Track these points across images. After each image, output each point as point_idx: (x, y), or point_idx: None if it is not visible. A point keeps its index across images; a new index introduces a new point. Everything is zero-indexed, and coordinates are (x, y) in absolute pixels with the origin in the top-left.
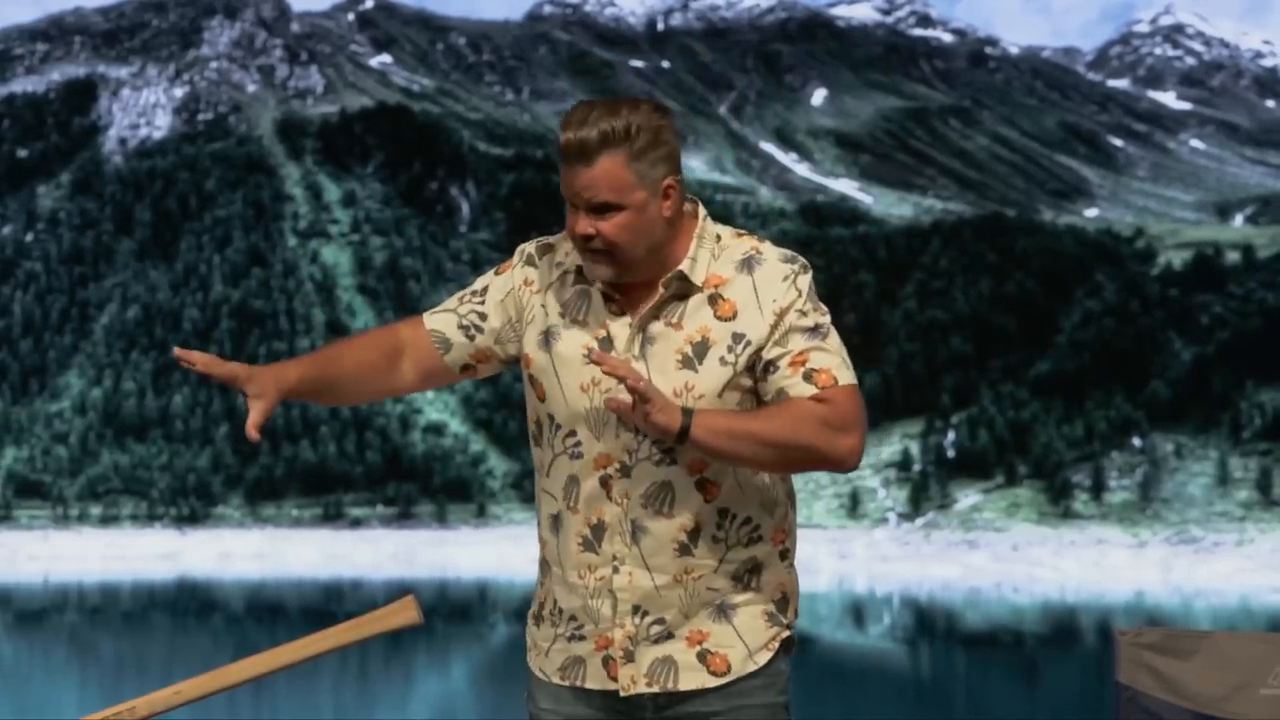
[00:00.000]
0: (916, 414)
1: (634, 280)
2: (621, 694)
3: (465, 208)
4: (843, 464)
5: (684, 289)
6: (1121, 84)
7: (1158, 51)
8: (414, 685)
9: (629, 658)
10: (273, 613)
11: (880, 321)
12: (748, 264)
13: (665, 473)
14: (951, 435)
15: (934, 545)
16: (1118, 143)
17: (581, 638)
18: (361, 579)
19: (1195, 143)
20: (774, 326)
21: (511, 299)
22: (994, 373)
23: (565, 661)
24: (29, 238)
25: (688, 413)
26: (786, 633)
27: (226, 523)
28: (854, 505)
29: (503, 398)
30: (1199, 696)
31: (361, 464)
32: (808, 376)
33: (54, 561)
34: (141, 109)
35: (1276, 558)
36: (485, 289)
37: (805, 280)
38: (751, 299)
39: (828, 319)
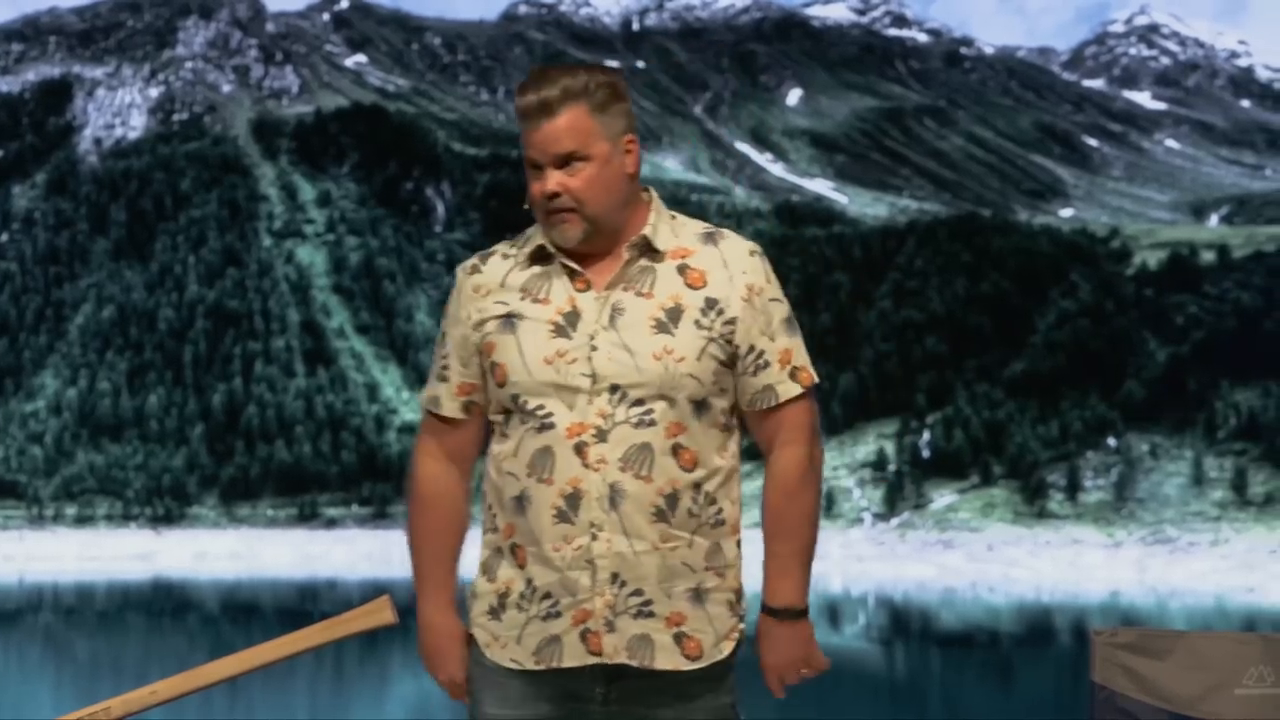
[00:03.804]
0: (891, 414)
1: (598, 248)
2: (606, 661)
3: (440, 208)
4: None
5: (648, 256)
6: (1097, 84)
7: (1133, 51)
8: (389, 685)
9: (610, 627)
10: (248, 613)
11: (855, 321)
12: (710, 237)
13: (644, 435)
14: (926, 435)
15: (909, 545)
16: (1093, 143)
17: (557, 614)
18: (337, 579)
19: (1170, 143)
20: (748, 303)
21: (466, 322)
22: (969, 373)
23: (540, 644)
24: (3, 238)
25: (794, 613)
26: (742, 625)
27: (202, 523)
28: (829, 505)
29: None
30: (1174, 696)
31: (337, 464)
32: (793, 375)
33: (29, 562)
34: (116, 109)
35: (1251, 557)
36: (444, 335)
37: (768, 263)
38: (720, 267)
39: (789, 306)
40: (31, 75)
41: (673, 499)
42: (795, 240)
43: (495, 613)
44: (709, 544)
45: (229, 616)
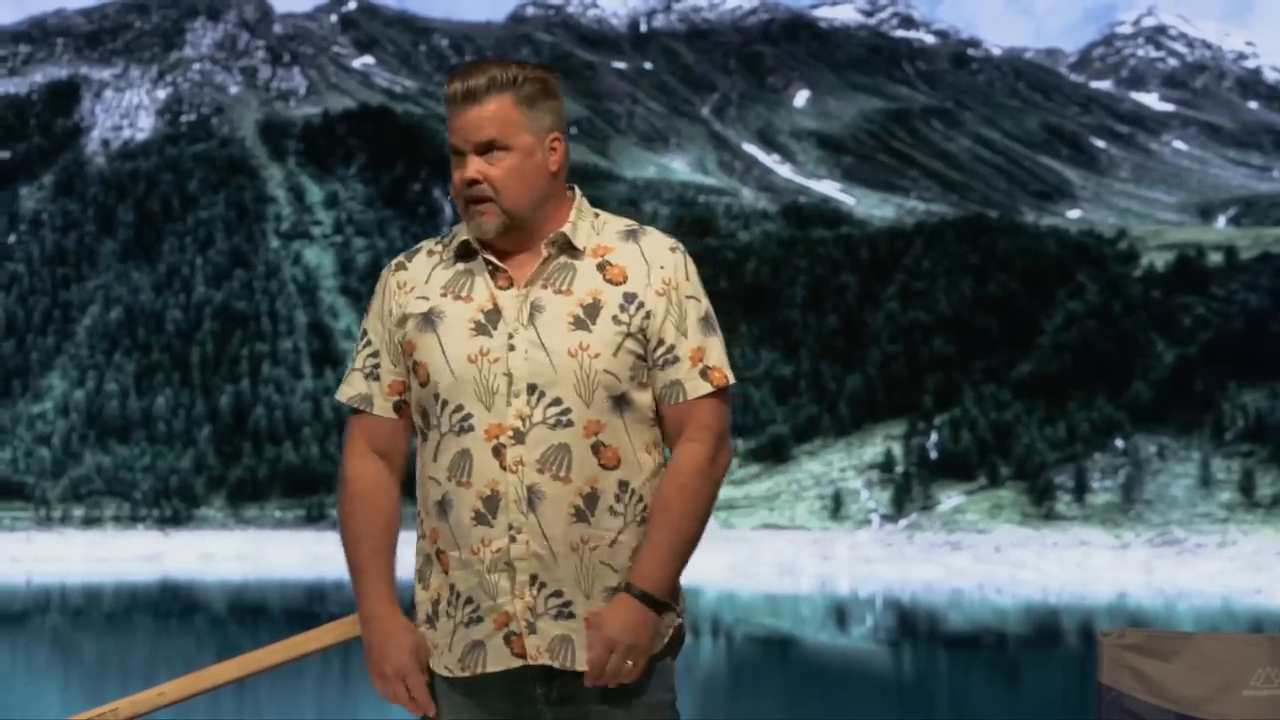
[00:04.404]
0: (899, 415)
1: (519, 245)
2: (530, 662)
3: (448, 209)
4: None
5: (567, 253)
6: (1104, 85)
7: (1140, 53)
8: None
9: (531, 629)
10: (255, 614)
11: (862, 323)
12: (632, 235)
13: (561, 435)
14: (934, 437)
15: (917, 547)
16: (1100, 144)
17: (479, 619)
18: (344, 580)
19: (1178, 144)
20: (664, 296)
21: (389, 318)
22: (976, 374)
23: (464, 650)
24: (11, 239)
25: (653, 601)
26: (679, 621)
27: (209, 524)
28: (837, 507)
29: None
30: (1181, 698)
31: None
32: (704, 374)
33: (36, 563)
34: (124, 110)
35: (1259, 559)
36: (367, 332)
37: (690, 260)
38: (639, 262)
39: (709, 305)
40: (39, 77)
41: (592, 498)
42: (803, 241)
43: (431, 621)
44: (634, 542)
45: (237, 618)
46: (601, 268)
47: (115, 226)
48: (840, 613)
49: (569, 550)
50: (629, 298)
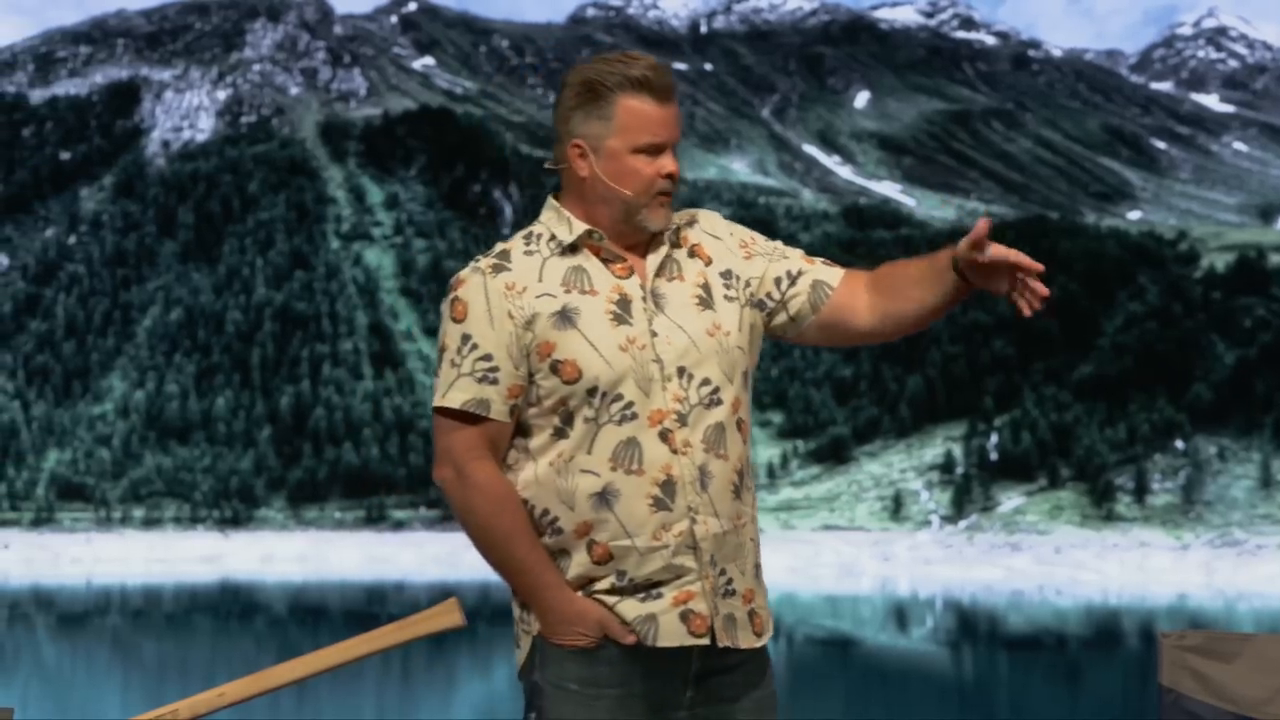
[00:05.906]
0: (959, 417)
1: (629, 241)
2: (719, 645)
3: (508, 210)
4: None
5: (672, 246)
6: (1164, 86)
7: (1200, 54)
8: (456, 687)
9: (715, 610)
10: (315, 615)
11: None
12: (691, 223)
13: (716, 414)
14: (994, 438)
15: (977, 548)
16: (1160, 145)
17: (659, 596)
18: (404, 581)
19: (1238, 145)
20: (751, 257)
21: (509, 321)
22: (1036, 375)
23: (636, 620)
24: (71, 240)
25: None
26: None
27: (269, 525)
28: (897, 508)
29: None
30: (1241, 699)
31: (404, 466)
32: (827, 264)
33: (97, 564)
34: (184, 111)
35: None
36: (467, 337)
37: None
38: (713, 241)
39: None
40: (99, 78)
41: (740, 474)
42: (863, 243)
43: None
44: (755, 512)
45: (296, 619)
46: (691, 254)
47: (175, 228)
48: (900, 614)
49: (734, 528)
50: (725, 274)
